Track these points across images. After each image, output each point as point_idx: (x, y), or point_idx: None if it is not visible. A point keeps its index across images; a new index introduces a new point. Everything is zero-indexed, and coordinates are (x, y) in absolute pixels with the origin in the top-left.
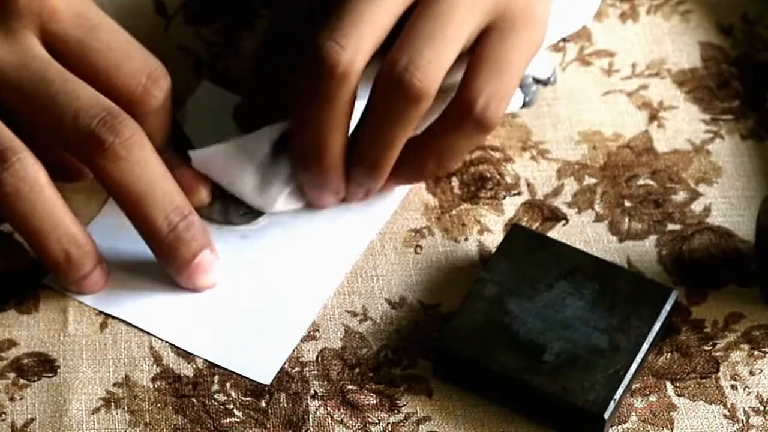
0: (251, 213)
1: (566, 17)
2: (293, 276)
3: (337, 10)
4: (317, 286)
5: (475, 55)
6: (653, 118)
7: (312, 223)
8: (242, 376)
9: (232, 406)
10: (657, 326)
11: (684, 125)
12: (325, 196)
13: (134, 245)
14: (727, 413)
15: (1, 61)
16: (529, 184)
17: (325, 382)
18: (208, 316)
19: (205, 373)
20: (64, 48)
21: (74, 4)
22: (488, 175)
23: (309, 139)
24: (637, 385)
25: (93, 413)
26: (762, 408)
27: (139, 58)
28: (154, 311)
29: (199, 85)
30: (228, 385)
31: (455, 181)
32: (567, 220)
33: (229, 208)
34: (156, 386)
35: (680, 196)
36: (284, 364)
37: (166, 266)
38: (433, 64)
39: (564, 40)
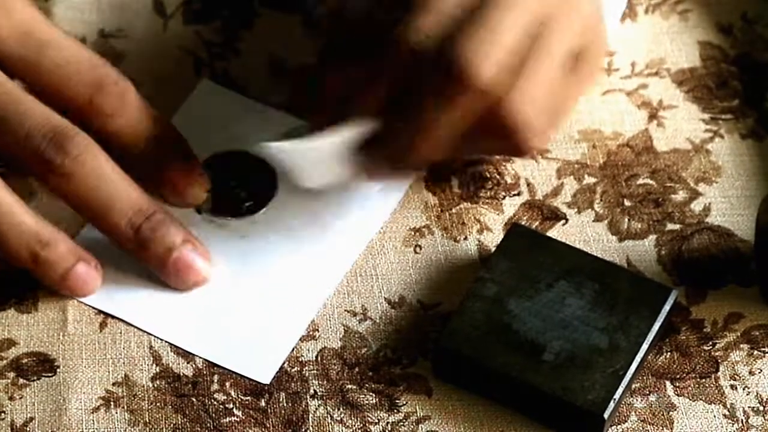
0: (251, 207)
1: None
2: (293, 275)
3: (474, 20)
4: (317, 285)
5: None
6: (653, 117)
7: (312, 222)
8: (242, 376)
9: (231, 406)
10: (657, 326)
11: (683, 124)
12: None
13: None
14: (727, 413)
15: None
16: (528, 184)
17: (325, 382)
18: (208, 316)
19: (205, 372)
20: (13, 68)
21: (18, 24)
22: (488, 174)
23: (417, 141)
24: (637, 385)
25: (92, 412)
26: (761, 408)
27: (88, 70)
28: (153, 310)
29: (199, 83)
30: (228, 384)
31: (455, 181)
32: (567, 220)
33: (223, 204)
34: (155, 386)
35: (680, 195)
36: (284, 363)
37: (150, 268)
38: (542, 112)
39: None
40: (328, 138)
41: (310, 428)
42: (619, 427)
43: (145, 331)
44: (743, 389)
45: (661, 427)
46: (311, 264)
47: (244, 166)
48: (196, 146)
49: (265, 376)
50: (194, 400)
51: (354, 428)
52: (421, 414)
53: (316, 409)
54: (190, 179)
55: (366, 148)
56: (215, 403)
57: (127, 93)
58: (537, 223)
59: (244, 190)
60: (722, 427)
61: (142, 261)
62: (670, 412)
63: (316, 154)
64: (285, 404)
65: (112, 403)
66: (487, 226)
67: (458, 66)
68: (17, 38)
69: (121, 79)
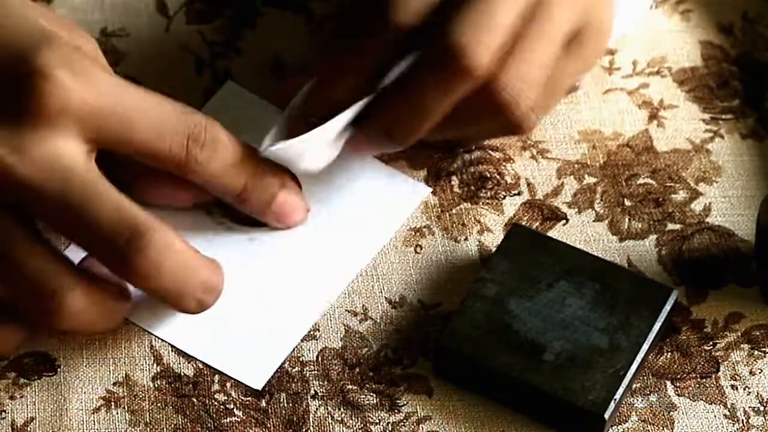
0: None
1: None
2: (296, 281)
3: (470, 5)
4: (317, 294)
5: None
6: (653, 117)
7: (321, 228)
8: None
9: (232, 406)
10: (657, 326)
11: (684, 124)
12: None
13: None
14: (727, 413)
15: (25, 176)
16: (529, 184)
17: (326, 382)
18: (207, 317)
19: (206, 372)
20: (105, 142)
21: (109, 95)
22: (488, 174)
23: (409, 124)
24: (638, 385)
25: (93, 413)
26: (762, 408)
27: (177, 123)
28: (152, 308)
29: (224, 85)
30: (228, 384)
31: (455, 180)
32: (567, 220)
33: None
34: (156, 386)
35: (680, 195)
36: (284, 363)
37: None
38: (534, 89)
39: None
40: (327, 125)
41: (311, 428)
42: (619, 427)
43: (144, 330)
44: (744, 389)
45: (661, 427)
46: (315, 272)
47: None
48: None
49: (257, 382)
50: (195, 400)
51: (354, 428)
52: (422, 414)
53: (317, 409)
54: (295, 204)
55: (360, 123)
56: (216, 403)
57: (218, 136)
58: (537, 223)
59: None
60: (723, 427)
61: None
62: (671, 412)
63: (316, 143)
64: (285, 404)
65: (112, 403)
66: (488, 226)
67: (453, 51)
68: (109, 111)
69: (209, 123)
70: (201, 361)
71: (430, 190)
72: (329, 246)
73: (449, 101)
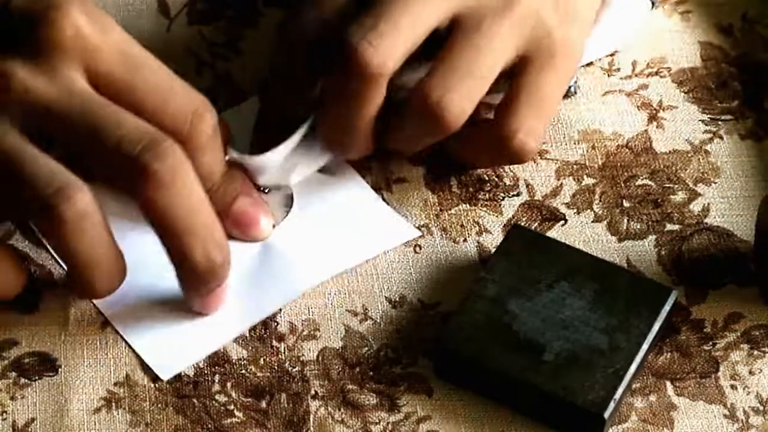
0: None
1: (602, 41)
2: (242, 284)
3: (372, 11)
4: (259, 300)
5: (513, 88)
6: (652, 118)
7: (286, 238)
8: (243, 377)
9: (232, 407)
10: (657, 326)
11: (683, 125)
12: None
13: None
14: (727, 413)
15: (46, 95)
16: (528, 185)
17: (326, 382)
18: (142, 298)
19: (206, 372)
20: (108, 86)
21: (118, 42)
22: (486, 177)
23: (336, 132)
24: (637, 385)
25: (94, 413)
26: (762, 408)
27: (184, 96)
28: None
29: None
30: (229, 385)
31: (453, 181)
32: (566, 221)
33: None
34: (157, 386)
35: (679, 196)
36: (284, 363)
37: (188, 293)
38: (466, 100)
39: None
40: (285, 144)
41: (311, 429)
42: (619, 427)
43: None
44: (743, 389)
45: (661, 427)
46: (263, 279)
47: None
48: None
49: (164, 372)
50: (195, 401)
51: (355, 428)
52: (422, 414)
53: (317, 409)
54: (255, 213)
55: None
56: (216, 404)
57: (221, 126)
58: (536, 223)
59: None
60: (722, 426)
61: (190, 287)
62: (671, 412)
63: (281, 158)
64: (286, 405)
65: (113, 403)
66: (486, 227)
67: (347, 51)
68: (115, 57)
69: (215, 113)
70: (201, 362)
71: (420, 234)
72: (285, 257)
73: (360, 105)
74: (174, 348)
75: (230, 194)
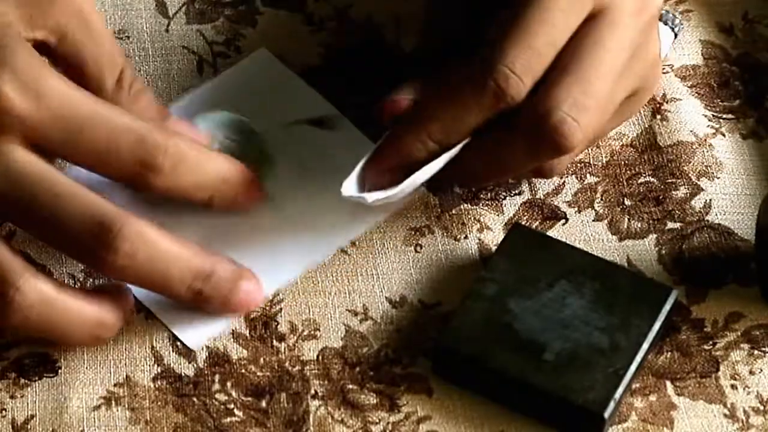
0: None
1: None
2: (267, 251)
3: (513, 29)
4: (280, 269)
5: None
6: (656, 111)
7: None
8: (243, 376)
9: (232, 406)
10: (657, 325)
11: (687, 117)
12: None
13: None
14: (727, 413)
15: None
16: (530, 183)
17: (326, 382)
18: None
19: (206, 372)
20: (50, 152)
21: (54, 108)
22: None
23: (489, 172)
24: (637, 385)
25: (93, 410)
26: (762, 407)
27: (130, 148)
28: None
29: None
30: (229, 384)
31: None
32: (567, 219)
33: None
34: (157, 386)
35: (681, 192)
36: (285, 363)
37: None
38: (588, 118)
39: None
40: (423, 173)
41: (311, 428)
42: (619, 426)
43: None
44: (744, 389)
45: (661, 427)
46: (276, 252)
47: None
48: (229, 107)
49: (195, 344)
50: (195, 399)
51: (354, 428)
52: (422, 414)
53: (317, 409)
54: (251, 196)
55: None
56: (216, 403)
57: (181, 156)
58: (537, 222)
59: None
60: (722, 426)
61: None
62: (671, 412)
63: (410, 189)
64: (286, 404)
65: (113, 401)
66: (487, 225)
67: (552, 129)
68: (51, 124)
69: (171, 142)
70: (201, 361)
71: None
72: (302, 224)
73: (532, 165)
74: (200, 320)
75: (231, 200)
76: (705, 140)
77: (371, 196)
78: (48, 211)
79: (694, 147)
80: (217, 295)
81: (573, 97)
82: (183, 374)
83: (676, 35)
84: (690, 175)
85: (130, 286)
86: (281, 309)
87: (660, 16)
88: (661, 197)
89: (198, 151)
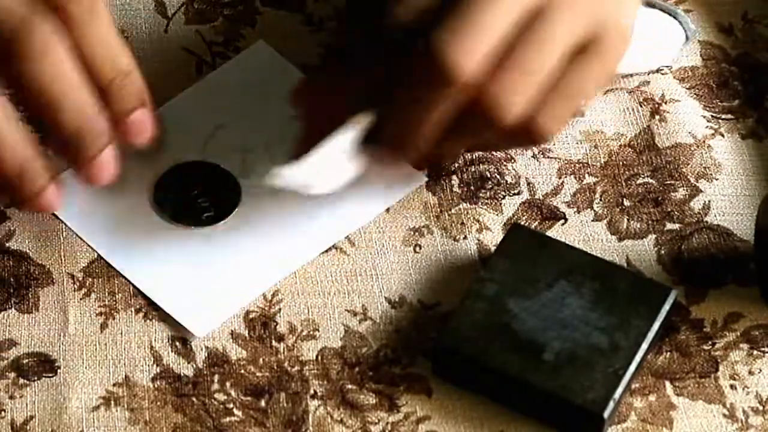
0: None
1: (638, 57)
2: (266, 241)
3: (458, 12)
4: (284, 257)
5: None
6: (655, 112)
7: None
8: (243, 376)
9: (231, 406)
10: (656, 326)
11: (686, 118)
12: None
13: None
14: (727, 413)
15: None
16: (529, 183)
17: (325, 382)
18: (168, 259)
19: (205, 372)
20: None
21: None
22: (488, 174)
23: (404, 132)
24: (637, 385)
25: (93, 411)
26: (761, 408)
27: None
28: (120, 242)
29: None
30: (228, 384)
31: (455, 180)
32: (566, 220)
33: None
34: (156, 386)
35: (680, 193)
36: (284, 363)
37: (71, 165)
38: (526, 101)
39: None
40: (332, 142)
41: (310, 428)
42: (618, 426)
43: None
44: (743, 389)
45: (660, 427)
46: (286, 235)
47: (209, 177)
48: (228, 100)
49: (200, 330)
50: (194, 399)
51: (354, 428)
52: (421, 414)
53: (316, 409)
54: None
55: (366, 141)
56: (215, 402)
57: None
58: (536, 222)
59: (207, 200)
60: (722, 426)
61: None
62: (670, 412)
63: (324, 161)
64: (285, 404)
65: (112, 401)
66: (487, 225)
67: (440, 62)
68: None
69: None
70: (200, 361)
71: (426, 179)
72: (306, 214)
73: (439, 111)
74: (205, 306)
75: (129, 101)
76: (704, 141)
77: (280, 175)
78: None
79: (692, 149)
80: (92, 144)
81: (457, 26)
82: (182, 374)
83: (687, 38)
84: (689, 177)
85: (138, 278)
86: (280, 309)
87: (675, 13)
88: (660, 198)
89: None
